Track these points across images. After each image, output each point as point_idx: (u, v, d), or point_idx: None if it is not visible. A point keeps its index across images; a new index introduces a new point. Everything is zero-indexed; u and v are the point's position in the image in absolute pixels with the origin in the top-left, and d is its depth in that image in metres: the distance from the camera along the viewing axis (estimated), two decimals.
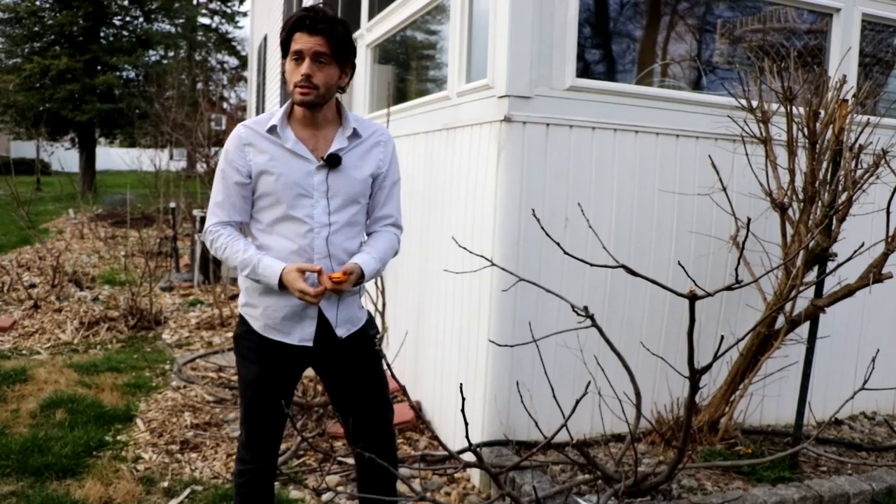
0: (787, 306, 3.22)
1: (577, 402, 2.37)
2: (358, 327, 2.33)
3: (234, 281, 7.49)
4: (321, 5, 2.25)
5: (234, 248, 2.15)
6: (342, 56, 2.13)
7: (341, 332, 2.28)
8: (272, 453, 2.37)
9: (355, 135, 2.24)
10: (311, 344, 2.24)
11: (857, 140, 3.12)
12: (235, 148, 2.17)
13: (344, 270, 2.13)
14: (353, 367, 2.34)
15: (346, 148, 2.21)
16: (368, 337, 2.35)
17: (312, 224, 2.18)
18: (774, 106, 3.25)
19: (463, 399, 2.24)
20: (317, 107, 2.16)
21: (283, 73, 2.21)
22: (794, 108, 3.19)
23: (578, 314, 2.49)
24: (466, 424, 2.33)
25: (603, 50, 3.63)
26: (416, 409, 3.96)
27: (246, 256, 2.13)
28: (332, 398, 2.43)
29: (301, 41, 2.08)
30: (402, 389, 2.22)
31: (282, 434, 2.41)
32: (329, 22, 2.09)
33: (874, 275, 3.08)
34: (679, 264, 2.68)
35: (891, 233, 3.00)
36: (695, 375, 2.47)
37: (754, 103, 3.26)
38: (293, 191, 2.16)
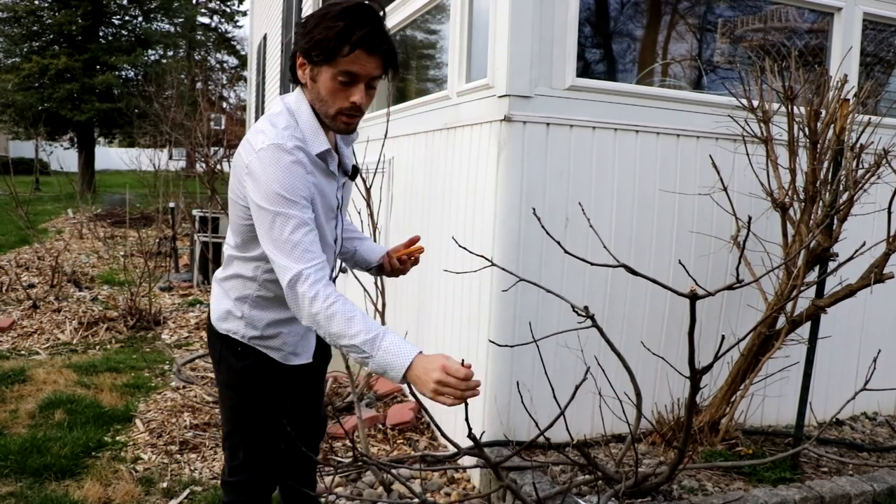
0: (788, 306, 3.21)
1: (574, 393, 2.36)
2: None
3: None
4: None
5: (350, 310, 1.66)
6: (388, 74, 1.82)
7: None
8: (272, 491, 2.17)
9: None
10: (311, 359, 2.13)
11: (858, 140, 3.12)
12: (302, 178, 1.74)
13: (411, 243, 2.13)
14: (321, 374, 2.30)
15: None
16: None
17: (336, 246, 2.05)
18: (775, 105, 3.24)
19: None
20: None
21: (292, 70, 1.82)
22: (795, 107, 3.18)
23: (579, 314, 2.49)
24: (466, 406, 2.32)
25: (603, 49, 3.62)
26: (416, 410, 3.95)
27: (371, 323, 1.65)
28: (291, 413, 2.18)
29: (359, 62, 1.71)
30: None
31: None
32: (388, 37, 1.76)
33: (875, 275, 3.07)
34: (680, 264, 2.68)
35: (892, 233, 2.99)
36: (695, 376, 2.46)
37: (755, 103, 3.25)
38: (329, 213, 1.92)
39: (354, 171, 2.00)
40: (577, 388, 2.36)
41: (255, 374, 2.01)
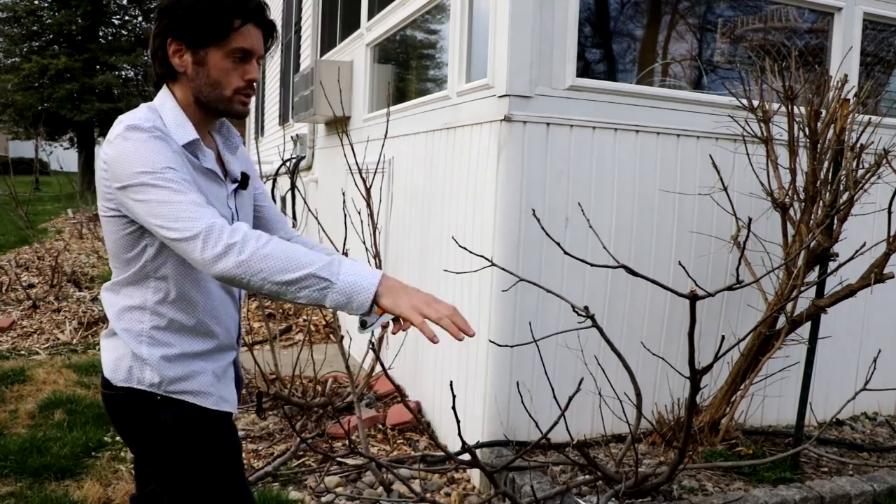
0: (789, 306, 3.21)
1: (573, 394, 2.37)
2: None
3: None
4: None
5: (285, 245, 1.40)
6: (267, 49, 1.71)
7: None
8: None
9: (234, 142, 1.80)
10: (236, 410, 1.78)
11: (858, 139, 3.12)
12: (168, 153, 1.50)
13: None
14: None
15: (235, 160, 1.78)
16: None
17: None
18: (776, 105, 3.24)
19: (454, 396, 2.23)
20: None
21: (165, 64, 1.61)
22: (795, 107, 3.18)
23: (579, 314, 2.49)
24: (458, 422, 2.32)
25: (603, 49, 3.62)
26: (416, 409, 3.95)
27: (318, 254, 1.40)
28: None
29: (252, 37, 1.60)
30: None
31: None
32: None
33: (876, 275, 3.07)
34: (680, 264, 2.68)
35: (892, 233, 2.99)
36: (695, 376, 2.46)
37: (755, 103, 3.25)
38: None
39: (245, 179, 1.75)
40: (578, 387, 2.35)
41: (194, 429, 1.64)
